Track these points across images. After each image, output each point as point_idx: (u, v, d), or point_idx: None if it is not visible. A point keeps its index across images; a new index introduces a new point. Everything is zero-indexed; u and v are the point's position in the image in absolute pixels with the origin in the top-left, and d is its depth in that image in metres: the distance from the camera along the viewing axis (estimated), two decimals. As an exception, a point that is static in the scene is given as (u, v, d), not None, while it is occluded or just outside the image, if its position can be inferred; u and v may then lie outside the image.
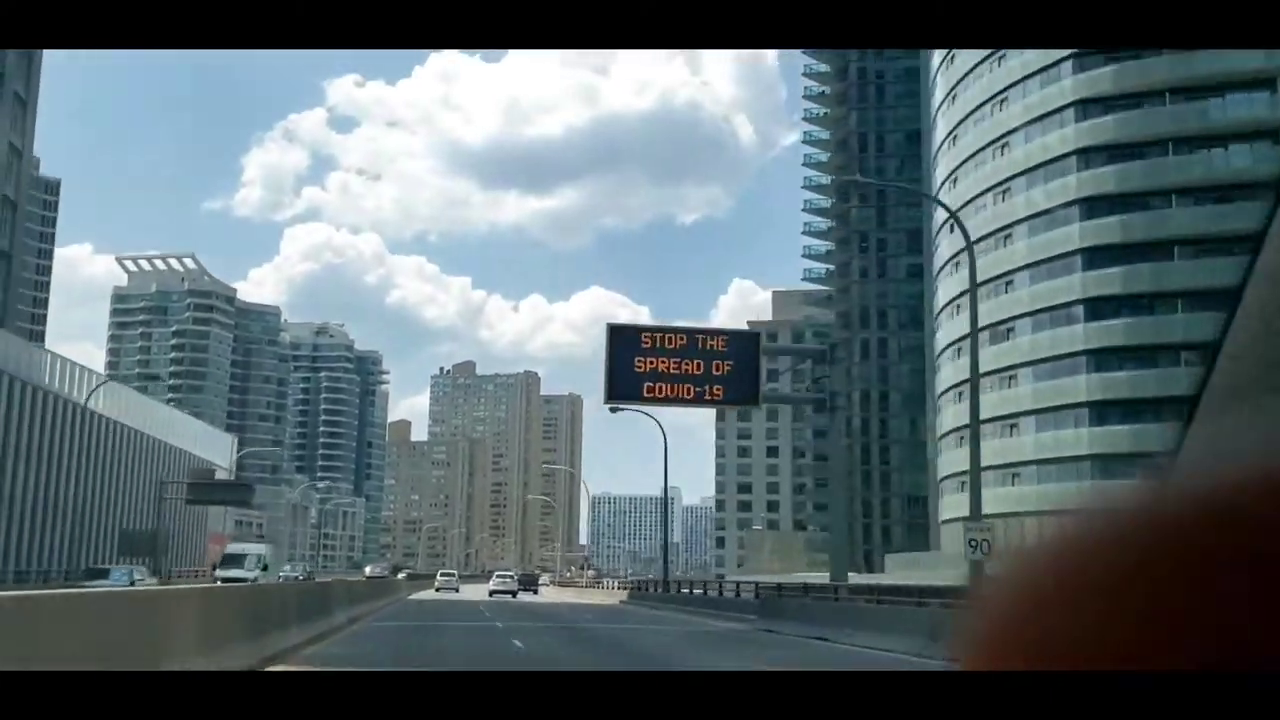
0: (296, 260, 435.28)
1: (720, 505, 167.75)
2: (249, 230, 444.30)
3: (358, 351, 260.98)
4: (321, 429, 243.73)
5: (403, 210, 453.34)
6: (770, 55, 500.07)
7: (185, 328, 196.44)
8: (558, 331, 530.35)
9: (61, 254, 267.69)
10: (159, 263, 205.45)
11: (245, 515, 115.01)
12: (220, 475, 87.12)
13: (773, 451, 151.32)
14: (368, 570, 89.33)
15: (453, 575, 77.29)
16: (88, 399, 62.70)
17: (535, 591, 78.35)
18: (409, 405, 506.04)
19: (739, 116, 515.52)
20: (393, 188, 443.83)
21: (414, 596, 56.81)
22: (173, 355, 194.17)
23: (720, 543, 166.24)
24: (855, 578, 44.49)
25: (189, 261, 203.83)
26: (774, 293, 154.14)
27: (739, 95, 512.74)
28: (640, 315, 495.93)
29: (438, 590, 68.92)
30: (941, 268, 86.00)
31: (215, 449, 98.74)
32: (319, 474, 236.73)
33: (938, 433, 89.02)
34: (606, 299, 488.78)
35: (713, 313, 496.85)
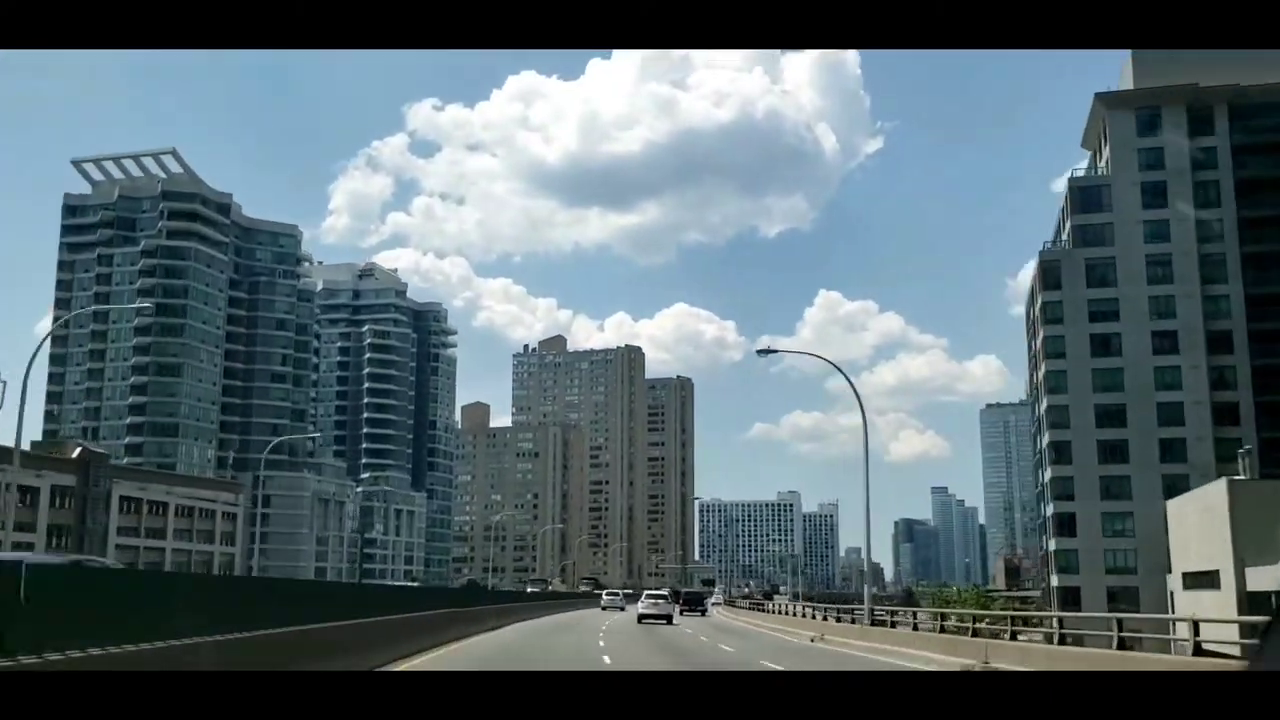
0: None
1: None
2: (338, 257, 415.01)
3: (414, 303, 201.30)
4: (367, 400, 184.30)
5: (486, 232, 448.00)
6: (851, 61, 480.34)
7: (158, 243, 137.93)
8: (645, 349, 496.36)
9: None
10: (130, 164, 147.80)
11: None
12: None
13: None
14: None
15: (617, 594, 79.34)
16: None
17: (704, 612, 65.85)
18: (484, 392, 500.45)
19: (820, 125, 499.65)
20: (476, 210, 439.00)
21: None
22: (140, 284, 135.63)
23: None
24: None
25: (169, 159, 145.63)
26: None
27: (820, 103, 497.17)
28: (726, 330, 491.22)
29: (604, 608, 69.93)
30: None
31: None
32: (362, 459, 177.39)
33: None
34: (691, 315, 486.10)
35: (799, 325, 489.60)
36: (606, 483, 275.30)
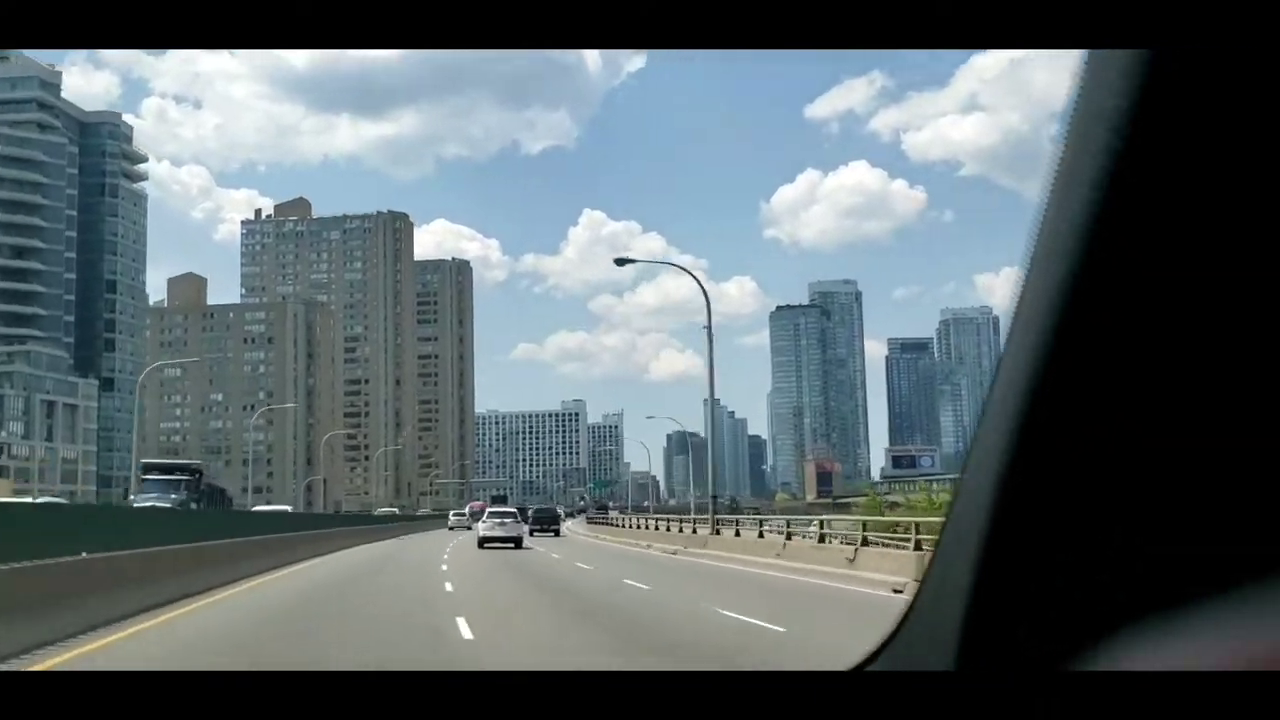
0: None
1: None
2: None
3: (80, 110, 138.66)
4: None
5: (227, 139, 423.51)
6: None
7: None
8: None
9: None
10: None
11: None
12: None
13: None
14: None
15: (465, 514, 76.00)
16: None
17: (557, 532, 60.37)
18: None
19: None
20: (215, 114, 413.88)
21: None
22: None
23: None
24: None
25: None
26: None
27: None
28: (489, 249, 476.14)
29: (451, 529, 69.92)
30: None
31: None
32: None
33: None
34: (452, 232, 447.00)
35: (563, 244, 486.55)
36: (366, 382, 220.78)
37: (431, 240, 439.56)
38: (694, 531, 40.65)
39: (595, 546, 45.96)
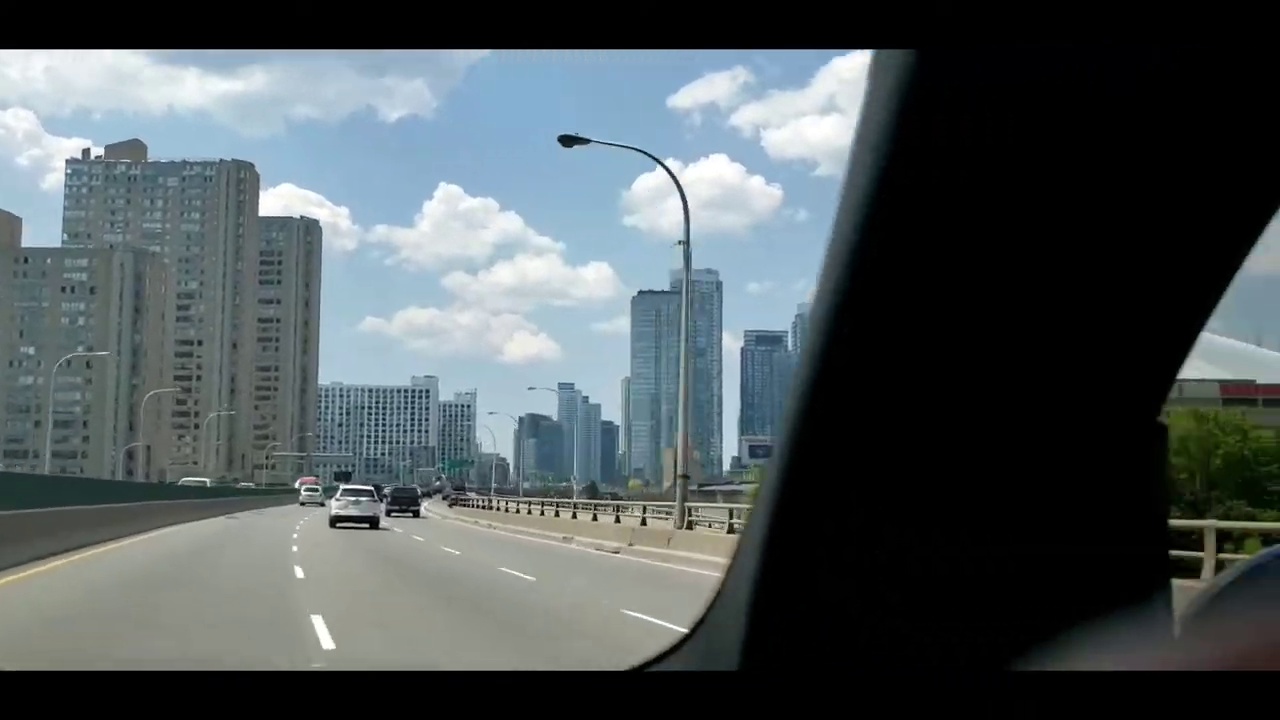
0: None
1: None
2: None
3: None
4: None
5: (58, 82, 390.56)
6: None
7: None
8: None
9: None
10: None
11: None
12: None
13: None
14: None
15: (317, 489, 71.00)
16: None
17: (416, 513, 55.66)
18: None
19: None
20: (43, 55, 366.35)
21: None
22: None
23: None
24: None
25: None
26: None
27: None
28: (339, 216, 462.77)
29: (303, 504, 65.74)
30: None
31: None
32: None
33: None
34: (299, 197, 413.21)
35: (417, 217, 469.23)
36: (200, 343, 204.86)
37: (278, 205, 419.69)
38: (617, 520, 37.01)
39: (465, 531, 42.16)
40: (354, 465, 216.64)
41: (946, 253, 0.78)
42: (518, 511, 49.18)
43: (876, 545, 0.84)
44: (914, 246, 0.79)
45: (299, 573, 18.26)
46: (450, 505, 78.42)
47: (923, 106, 0.75)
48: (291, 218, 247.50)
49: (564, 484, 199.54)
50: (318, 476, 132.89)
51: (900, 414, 0.83)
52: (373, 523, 38.50)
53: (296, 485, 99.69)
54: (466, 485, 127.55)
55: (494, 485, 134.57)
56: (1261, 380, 70.97)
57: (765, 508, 0.91)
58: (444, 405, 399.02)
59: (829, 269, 0.83)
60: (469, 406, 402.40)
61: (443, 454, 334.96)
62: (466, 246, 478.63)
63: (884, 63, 0.76)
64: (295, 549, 24.99)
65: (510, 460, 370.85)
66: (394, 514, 51.64)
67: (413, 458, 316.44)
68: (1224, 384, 58.60)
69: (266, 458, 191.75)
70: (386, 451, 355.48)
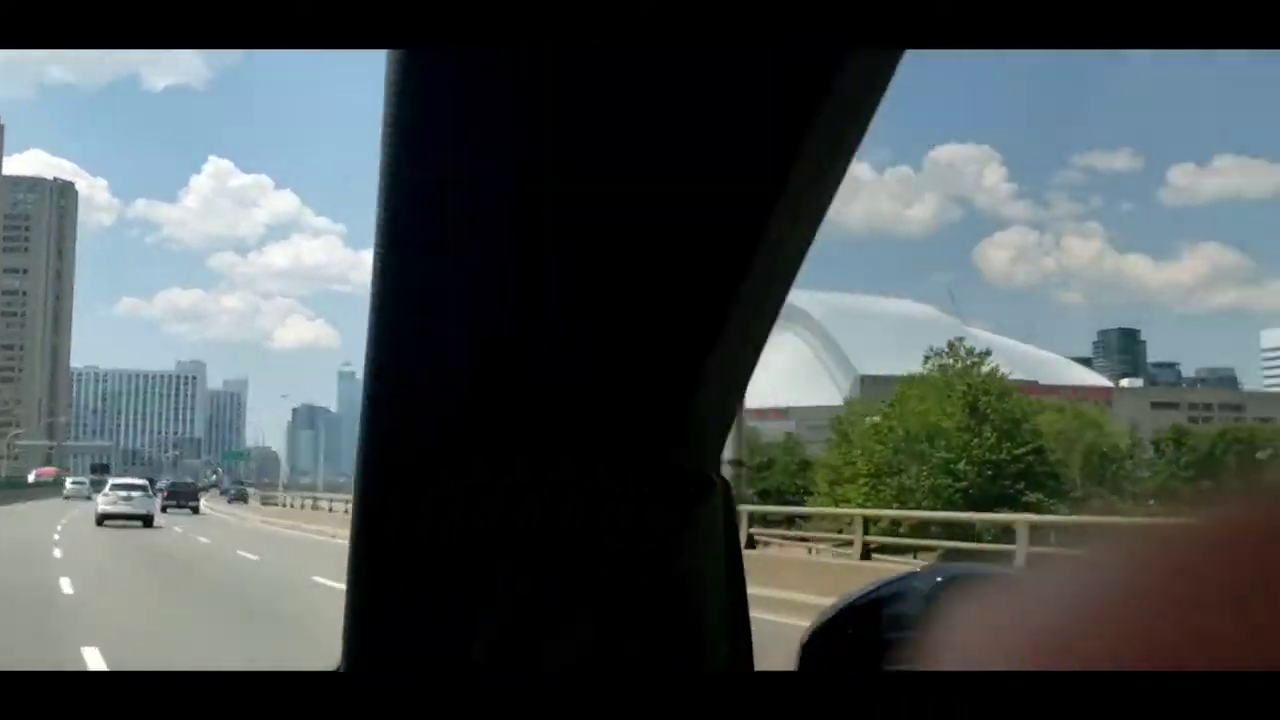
0: None
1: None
2: None
3: None
4: None
5: None
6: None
7: None
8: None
9: None
10: None
11: None
12: None
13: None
14: None
15: (84, 482, 64.00)
16: None
17: (195, 509, 53.40)
18: None
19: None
20: None
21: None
22: None
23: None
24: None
25: None
26: None
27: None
28: (96, 188, 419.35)
29: (67, 498, 61.42)
30: None
31: None
32: None
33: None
34: (52, 166, 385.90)
35: (183, 191, 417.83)
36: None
37: (27, 171, 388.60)
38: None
39: (265, 534, 38.65)
40: (110, 456, 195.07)
41: (429, 255, 0.77)
42: (299, 507, 48.66)
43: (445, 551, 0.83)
44: (392, 248, 0.77)
45: (65, 587, 16.27)
46: (230, 501, 73.94)
47: (397, 108, 0.73)
48: (44, 179, 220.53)
49: (343, 479, 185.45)
50: (67, 468, 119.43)
51: (432, 431, 0.81)
52: (147, 521, 37.30)
53: (31, 478, 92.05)
54: (242, 480, 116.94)
55: (265, 480, 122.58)
56: (1043, 381, 76.16)
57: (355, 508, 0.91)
58: (213, 393, 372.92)
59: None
60: (239, 395, 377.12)
61: (210, 446, 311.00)
62: (238, 224, 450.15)
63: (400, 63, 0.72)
64: (58, 553, 23.03)
65: (282, 454, 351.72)
66: (170, 510, 50.42)
67: (177, 449, 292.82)
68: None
69: (9, 446, 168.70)
70: (148, 442, 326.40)
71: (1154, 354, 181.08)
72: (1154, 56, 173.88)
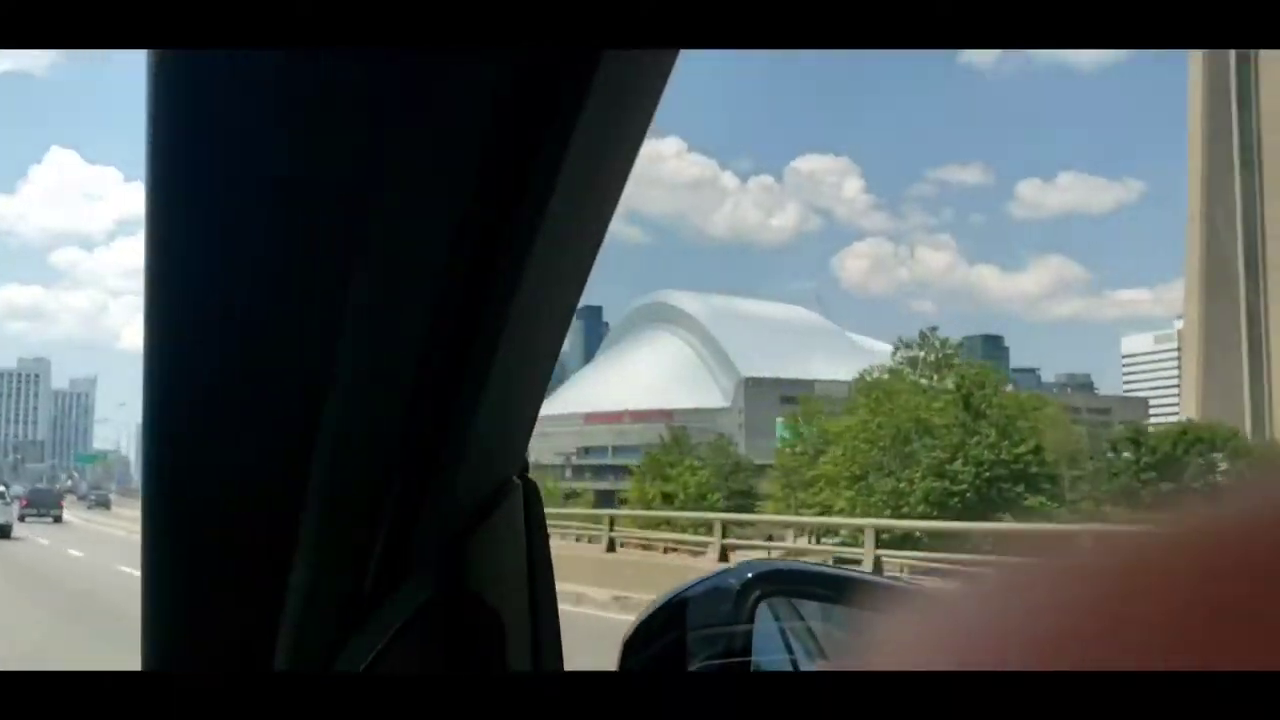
0: None
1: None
2: None
3: None
4: None
5: None
6: None
7: None
8: None
9: None
10: None
11: None
12: None
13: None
14: None
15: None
16: None
17: (58, 518, 50.38)
18: None
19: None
20: None
21: None
22: None
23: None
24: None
25: None
26: None
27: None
28: None
29: None
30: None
31: None
32: None
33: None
34: None
35: (22, 184, 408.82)
36: None
37: None
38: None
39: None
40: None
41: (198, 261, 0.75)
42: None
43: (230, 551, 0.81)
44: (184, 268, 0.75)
45: None
46: (89, 508, 70.29)
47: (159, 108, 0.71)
48: None
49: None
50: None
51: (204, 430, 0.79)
52: (2, 531, 34.63)
53: None
54: (100, 486, 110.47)
55: (129, 485, 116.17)
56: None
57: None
58: (57, 393, 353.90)
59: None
60: (88, 396, 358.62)
61: (55, 449, 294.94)
62: (80, 218, 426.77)
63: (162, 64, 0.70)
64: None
65: (131, 458, 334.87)
66: (29, 519, 46.95)
67: (18, 453, 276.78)
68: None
69: None
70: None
71: (1015, 360, 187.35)
72: (1008, 72, 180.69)
